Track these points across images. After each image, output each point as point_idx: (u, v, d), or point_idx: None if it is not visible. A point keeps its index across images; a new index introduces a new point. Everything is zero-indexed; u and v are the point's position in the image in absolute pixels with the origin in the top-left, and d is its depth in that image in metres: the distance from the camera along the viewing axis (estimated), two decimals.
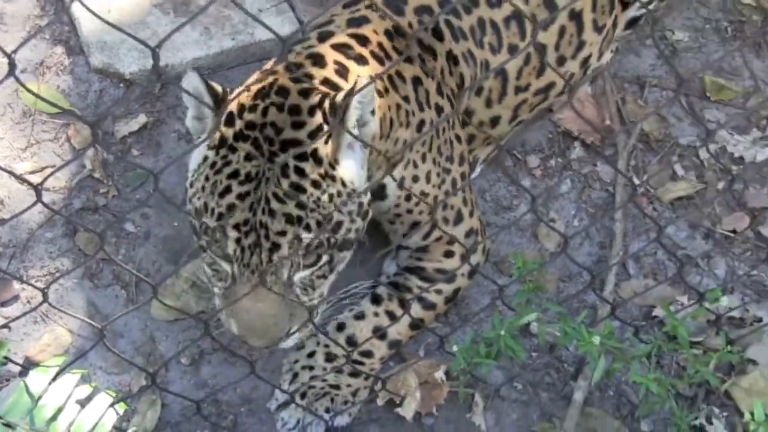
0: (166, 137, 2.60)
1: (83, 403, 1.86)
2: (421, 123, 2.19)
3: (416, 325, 2.31)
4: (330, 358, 2.31)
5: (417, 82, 2.15)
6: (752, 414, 2.19)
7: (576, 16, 2.51)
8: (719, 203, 2.67)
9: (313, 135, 1.84)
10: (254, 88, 1.88)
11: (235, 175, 1.82)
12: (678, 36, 2.88)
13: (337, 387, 2.28)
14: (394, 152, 2.08)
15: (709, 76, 2.83)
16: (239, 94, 1.88)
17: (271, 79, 1.89)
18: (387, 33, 2.15)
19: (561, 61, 2.52)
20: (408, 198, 2.22)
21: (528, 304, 2.24)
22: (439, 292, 2.33)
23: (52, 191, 2.44)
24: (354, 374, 2.28)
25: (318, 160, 1.82)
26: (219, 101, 1.85)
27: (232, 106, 1.86)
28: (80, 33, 2.67)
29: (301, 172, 1.81)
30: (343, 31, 2.08)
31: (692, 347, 2.31)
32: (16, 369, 2.18)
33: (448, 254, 2.32)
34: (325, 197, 1.85)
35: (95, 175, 2.48)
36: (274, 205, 1.81)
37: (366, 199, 2.01)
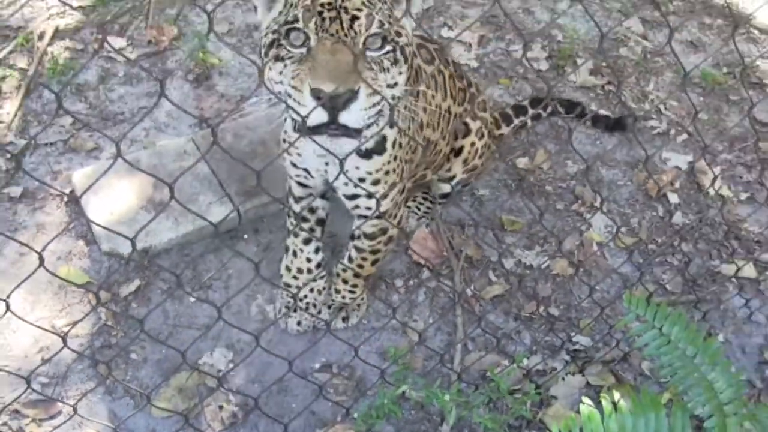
0: (153, 294, 3.11)
1: None
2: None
3: (375, 261, 2.95)
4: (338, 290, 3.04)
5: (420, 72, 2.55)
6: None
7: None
8: (521, 296, 3.29)
9: None
10: None
11: None
12: (482, 192, 3.62)
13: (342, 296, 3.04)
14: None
15: (504, 215, 3.56)
16: None
17: None
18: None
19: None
20: (390, 161, 2.49)
21: (403, 379, 2.89)
22: (380, 243, 2.87)
23: (80, 337, 2.95)
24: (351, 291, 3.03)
25: None
26: None
27: None
28: (93, 231, 3.22)
29: None
30: None
31: (513, 394, 2.93)
32: None
33: (386, 228, 2.80)
34: (386, 10, 2.04)
35: (108, 323, 3.00)
36: None
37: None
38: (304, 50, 1.99)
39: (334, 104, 1.91)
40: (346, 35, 1.95)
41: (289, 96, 1.97)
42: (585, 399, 2.27)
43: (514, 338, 3.19)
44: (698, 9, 5.03)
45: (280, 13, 2.06)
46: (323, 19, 1.95)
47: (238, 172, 3.43)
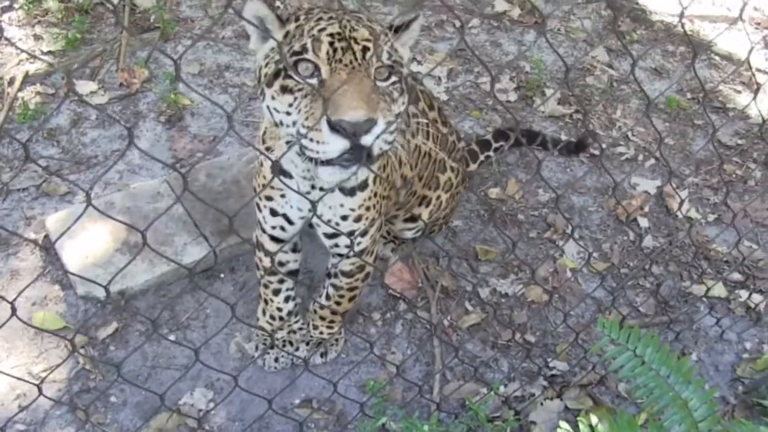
0: (131, 335, 3.09)
1: None
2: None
3: (352, 298, 2.95)
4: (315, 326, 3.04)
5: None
6: None
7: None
8: (497, 324, 3.31)
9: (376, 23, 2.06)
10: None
11: (319, 19, 1.99)
12: (455, 222, 3.66)
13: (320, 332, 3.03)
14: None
15: (478, 245, 3.62)
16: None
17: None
18: None
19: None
20: (371, 197, 2.48)
21: (382, 411, 2.90)
22: (357, 280, 2.86)
23: (58, 382, 2.90)
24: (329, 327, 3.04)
25: (380, 25, 2.07)
26: (282, 19, 2.05)
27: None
28: (69, 276, 3.20)
29: (370, 22, 2.04)
30: None
31: (492, 421, 2.96)
32: None
33: (364, 265, 2.78)
34: (389, 43, 2.03)
35: (86, 368, 2.97)
36: (357, 26, 1.97)
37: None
38: (314, 81, 1.94)
39: (357, 131, 1.85)
40: (359, 64, 1.92)
41: (304, 135, 1.89)
42: (562, 423, 2.30)
43: (492, 366, 3.22)
44: (661, 37, 5.15)
45: (281, 43, 2.03)
46: (335, 50, 1.92)
47: (213, 212, 3.43)
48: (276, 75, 1.98)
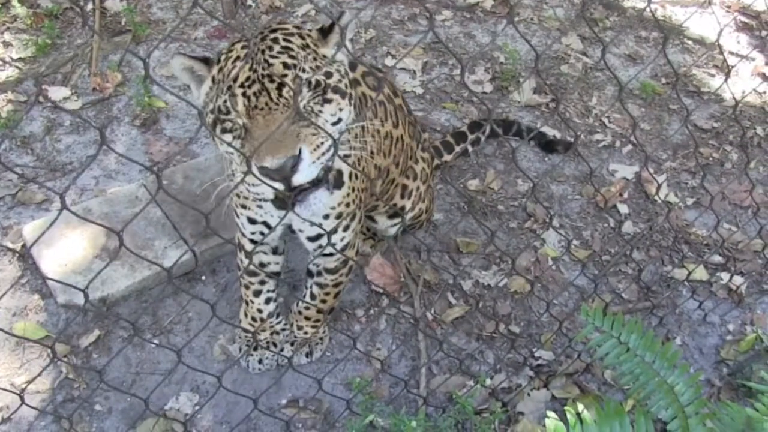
0: (114, 342, 3.07)
1: None
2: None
3: (337, 294, 2.95)
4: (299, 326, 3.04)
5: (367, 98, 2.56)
6: None
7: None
8: (481, 316, 3.32)
9: (298, 27, 2.09)
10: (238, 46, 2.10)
11: (236, 59, 2.05)
12: (435, 216, 3.65)
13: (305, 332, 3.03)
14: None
15: (459, 237, 3.62)
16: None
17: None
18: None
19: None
20: (349, 193, 2.48)
21: (370, 408, 2.89)
22: (342, 275, 2.87)
23: (41, 392, 2.88)
24: (314, 326, 3.03)
25: (302, 38, 2.06)
26: (209, 61, 2.10)
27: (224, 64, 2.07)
28: (49, 284, 3.19)
29: (288, 41, 2.03)
30: None
31: (480, 413, 2.96)
32: None
33: (347, 260, 2.78)
34: (311, 57, 2.05)
35: (70, 376, 2.95)
36: (271, 60, 1.98)
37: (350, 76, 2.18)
38: (243, 135, 2.03)
39: (284, 174, 1.93)
40: (276, 104, 1.97)
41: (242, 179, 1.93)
42: (550, 413, 2.30)
43: (478, 358, 3.22)
44: (633, 23, 5.16)
45: (211, 88, 2.09)
46: (249, 98, 1.97)
47: (192, 214, 3.42)
48: (215, 123, 2.06)
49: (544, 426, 2.24)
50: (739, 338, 3.40)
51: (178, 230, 3.38)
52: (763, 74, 4.88)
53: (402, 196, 3.18)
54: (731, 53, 5.06)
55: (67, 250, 3.29)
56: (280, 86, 1.96)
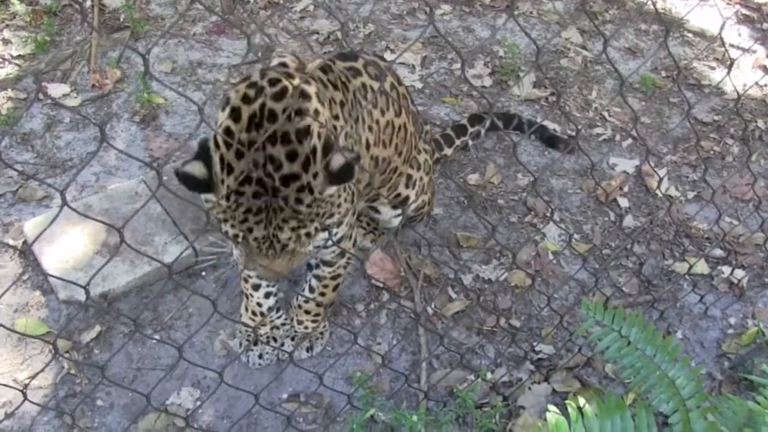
0: (115, 338, 3.07)
1: None
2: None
3: (336, 287, 2.95)
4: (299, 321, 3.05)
5: (342, 104, 2.45)
6: None
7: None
8: (481, 310, 3.31)
9: (306, 165, 2.05)
10: (245, 117, 2.06)
11: (248, 211, 2.07)
12: (435, 210, 3.64)
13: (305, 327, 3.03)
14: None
15: (459, 232, 3.61)
16: (228, 129, 2.06)
17: (257, 104, 2.07)
18: (321, 69, 2.45)
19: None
20: (340, 194, 2.41)
21: (370, 403, 2.89)
22: (339, 267, 2.86)
23: (44, 388, 2.89)
24: (314, 321, 3.01)
25: (311, 190, 2.07)
26: (210, 175, 2.08)
27: (229, 156, 2.05)
28: (50, 280, 3.18)
29: (299, 201, 2.07)
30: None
31: (481, 408, 2.97)
32: None
33: (344, 252, 2.75)
34: (315, 211, 2.13)
35: (71, 372, 2.96)
36: (281, 224, 2.09)
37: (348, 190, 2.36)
38: (247, 251, 2.21)
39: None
40: (280, 255, 2.17)
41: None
42: (551, 407, 2.28)
43: (479, 352, 3.22)
44: (634, 16, 5.15)
45: (223, 196, 2.11)
46: (259, 245, 2.14)
47: (192, 210, 3.42)
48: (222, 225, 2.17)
49: (545, 420, 2.22)
50: (741, 332, 3.40)
51: (178, 226, 3.37)
52: (764, 67, 4.88)
53: (406, 186, 3.17)
54: (732, 46, 5.04)
55: (67, 246, 3.29)
56: (285, 246, 2.15)
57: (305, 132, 2.05)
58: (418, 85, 4.42)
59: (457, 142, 3.89)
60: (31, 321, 3.13)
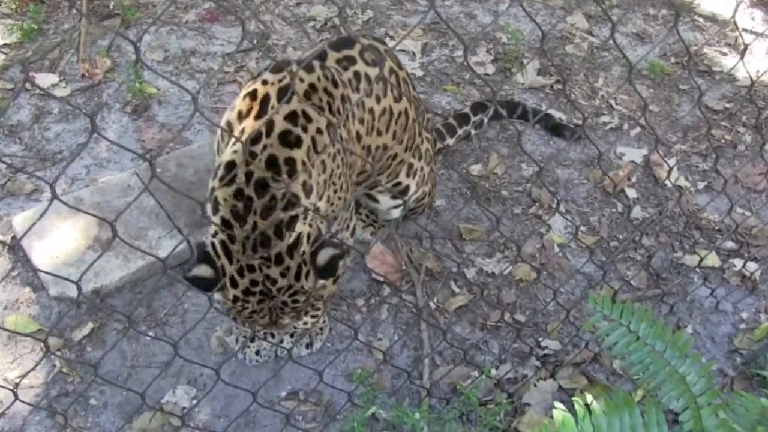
0: (108, 335, 3.03)
1: None
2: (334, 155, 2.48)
3: (336, 279, 2.86)
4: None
5: (329, 126, 2.39)
6: None
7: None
8: (485, 305, 3.26)
9: (298, 276, 2.29)
10: (240, 237, 2.21)
11: (253, 312, 2.33)
12: (437, 202, 3.57)
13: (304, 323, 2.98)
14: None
15: (462, 224, 3.54)
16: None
17: (249, 226, 2.21)
18: (305, 93, 2.41)
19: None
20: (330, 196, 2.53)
21: (371, 400, 2.85)
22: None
23: (35, 387, 2.86)
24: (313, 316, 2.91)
25: (304, 292, 2.32)
26: (215, 267, 2.26)
27: (231, 270, 2.24)
28: (40, 276, 3.14)
29: (295, 301, 2.34)
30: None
31: (485, 405, 2.93)
32: None
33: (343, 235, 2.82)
34: (309, 301, 2.40)
35: (64, 371, 2.91)
36: (281, 315, 2.38)
37: None
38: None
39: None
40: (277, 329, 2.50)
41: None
42: (557, 404, 2.24)
43: (482, 348, 3.16)
44: (641, 0, 5.06)
45: (229, 299, 2.37)
46: (261, 327, 2.44)
47: (186, 203, 3.35)
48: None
49: (551, 417, 2.19)
50: (753, 327, 3.32)
51: (172, 219, 3.32)
52: None
53: (408, 175, 3.10)
54: (745, 30, 4.94)
55: (58, 241, 3.22)
56: (281, 327, 2.48)
57: (295, 244, 2.24)
58: (419, 72, 4.34)
59: (460, 131, 3.81)
60: (21, 318, 3.09)
